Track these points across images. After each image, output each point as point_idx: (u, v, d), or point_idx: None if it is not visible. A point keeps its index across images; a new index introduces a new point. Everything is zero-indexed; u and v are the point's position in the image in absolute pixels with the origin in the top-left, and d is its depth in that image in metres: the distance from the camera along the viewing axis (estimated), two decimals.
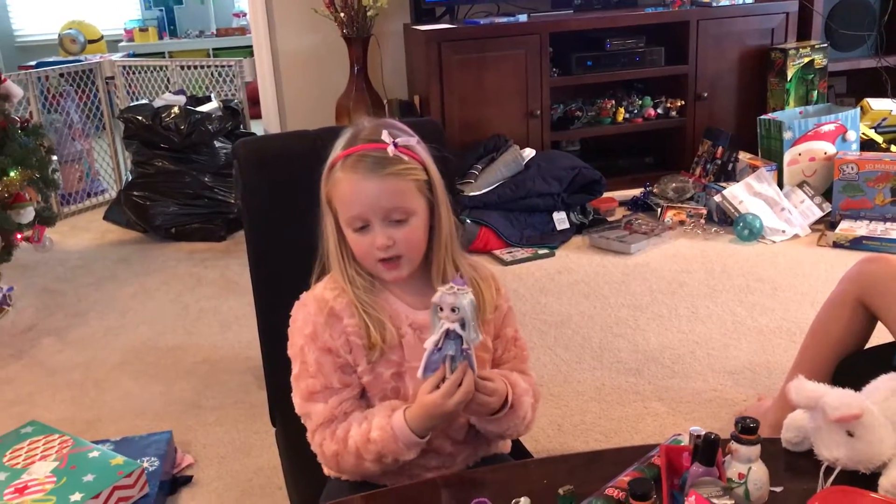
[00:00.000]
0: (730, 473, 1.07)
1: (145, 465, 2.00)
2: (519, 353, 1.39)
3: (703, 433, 1.05)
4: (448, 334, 1.15)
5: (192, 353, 2.84)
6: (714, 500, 0.98)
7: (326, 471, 1.37)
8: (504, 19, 4.01)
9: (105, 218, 4.26)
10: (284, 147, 1.77)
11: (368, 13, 4.01)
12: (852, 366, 1.81)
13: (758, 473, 1.07)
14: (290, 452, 1.57)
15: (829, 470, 1.11)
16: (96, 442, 2.09)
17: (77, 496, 1.81)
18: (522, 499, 1.09)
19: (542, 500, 1.09)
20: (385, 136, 1.24)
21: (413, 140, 1.27)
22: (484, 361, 1.33)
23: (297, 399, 1.30)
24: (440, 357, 1.16)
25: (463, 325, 1.14)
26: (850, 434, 1.11)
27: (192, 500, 2.04)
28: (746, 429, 1.07)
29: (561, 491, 1.10)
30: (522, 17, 4.03)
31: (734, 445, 1.08)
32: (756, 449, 1.07)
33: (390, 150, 1.22)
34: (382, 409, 1.25)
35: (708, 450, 1.04)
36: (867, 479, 1.10)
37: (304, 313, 1.29)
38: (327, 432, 1.26)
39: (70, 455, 1.96)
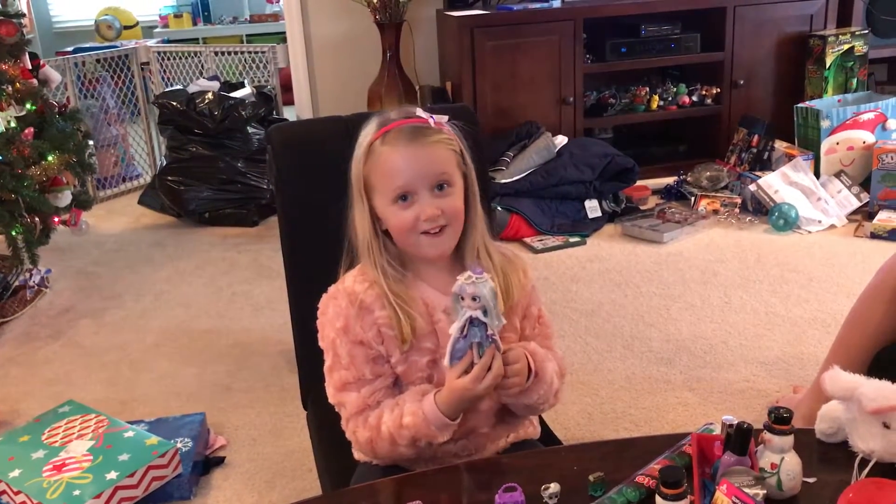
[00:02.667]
0: (762, 463, 1.07)
1: (179, 445, 2.03)
2: (543, 331, 1.39)
3: (736, 422, 1.05)
4: (472, 322, 1.15)
5: (224, 336, 2.87)
6: (746, 490, 0.97)
7: (357, 455, 1.38)
8: (537, 5, 3.98)
9: (140, 202, 4.31)
10: (318, 132, 1.78)
11: None
12: (889, 358, 1.79)
13: (790, 464, 1.06)
14: (322, 436, 1.58)
15: (864, 462, 1.10)
16: (131, 422, 2.12)
17: (112, 474, 1.84)
18: (553, 484, 1.09)
19: (573, 487, 1.09)
20: (420, 112, 1.26)
21: (444, 118, 1.29)
22: (511, 342, 1.32)
23: (330, 389, 1.31)
24: (466, 345, 1.17)
25: (485, 312, 1.15)
26: (887, 426, 1.09)
27: (224, 480, 2.07)
28: (780, 419, 1.06)
29: (591, 478, 1.10)
30: (556, 3, 4.00)
31: (767, 435, 1.07)
32: (789, 439, 1.06)
33: (431, 121, 1.25)
34: (413, 395, 1.26)
35: (740, 439, 1.03)
36: None
37: (335, 306, 1.29)
38: (360, 420, 1.28)
39: (106, 434, 1.99)
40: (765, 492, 0.99)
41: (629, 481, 1.09)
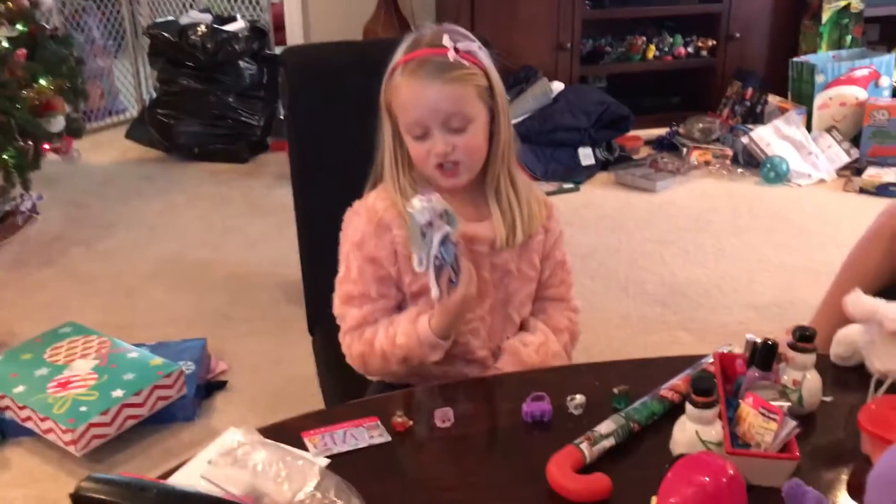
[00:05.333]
0: (784, 380, 1.09)
1: (183, 368, 2.04)
2: (565, 278, 1.41)
3: (761, 339, 1.07)
4: (443, 241, 1.14)
5: (220, 268, 2.86)
6: (771, 402, 1.00)
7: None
8: None
9: (127, 136, 4.24)
10: (333, 57, 1.75)
11: None
12: (885, 300, 1.82)
13: (812, 381, 1.09)
14: (328, 362, 1.58)
15: (879, 384, 1.13)
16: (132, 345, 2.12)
17: (119, 392, 1.85)
18: (578, 395, 1.11)
19: (596, 400, 1.12)
20: (446, 40, 1.22)
21: (475, 45, 1.25)
22: (529, 279, 1.35)
23: (336, 300, 1.33)
24: (447, 264, 1.16)
25: (450, 223, 1.14)
26: None
27: (227, 404, 2.09)
28: (804, 337, 1.09)
29: (616, 390, 1.12)
30: None
31: (791, 353, 1.10)
32: (812, 357, 1.09)
33: (451, 55, 1.21)
34: (408, 315, 1.27)
35: (766, 355, 1.06)
36: None
37: (356, 221, 1.31)
38: (356, 334, 1.30)
39: (110, 354, 2.00)
40: (789, 404, 1.02)
41: (653, 395, 1.11)
